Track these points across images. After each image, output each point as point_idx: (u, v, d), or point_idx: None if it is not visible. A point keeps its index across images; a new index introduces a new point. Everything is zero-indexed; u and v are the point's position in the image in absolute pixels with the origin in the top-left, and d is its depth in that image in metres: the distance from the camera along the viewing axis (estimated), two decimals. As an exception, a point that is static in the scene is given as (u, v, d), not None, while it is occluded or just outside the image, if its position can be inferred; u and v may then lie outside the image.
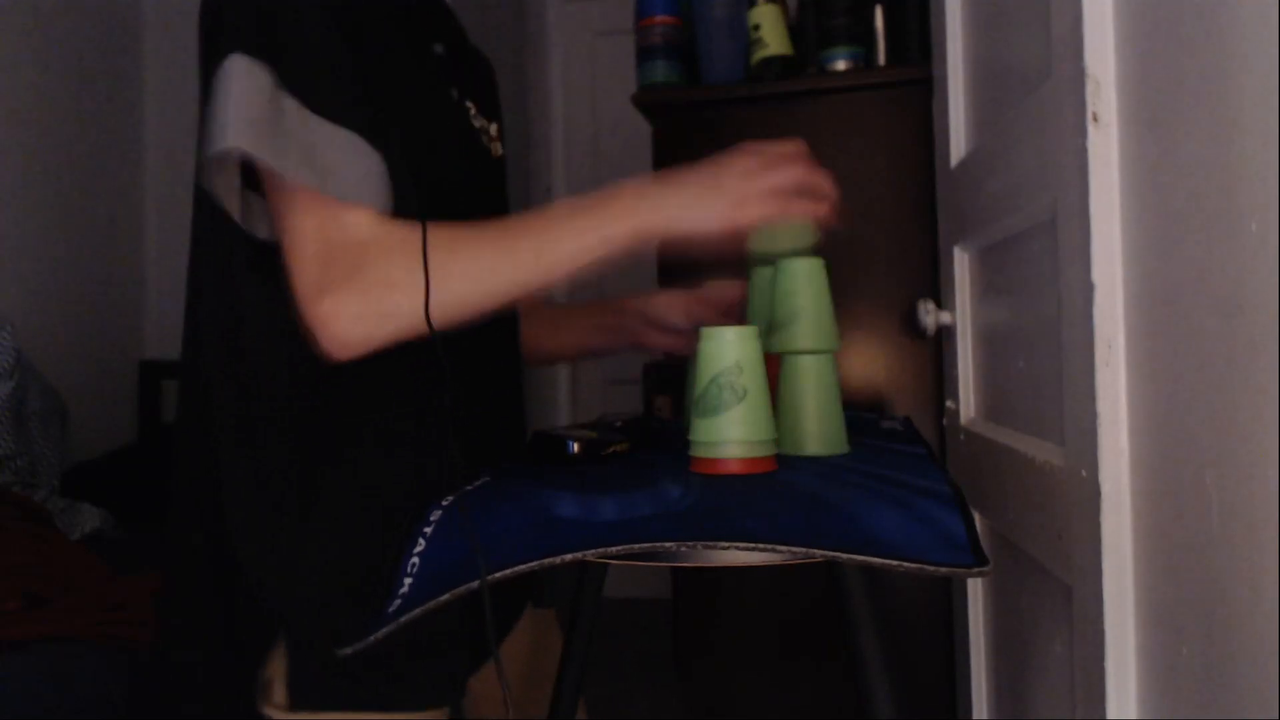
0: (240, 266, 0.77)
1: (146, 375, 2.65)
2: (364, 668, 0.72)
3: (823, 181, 0.83)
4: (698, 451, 0.71)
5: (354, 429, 0.78)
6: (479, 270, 0.73)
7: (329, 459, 0.77)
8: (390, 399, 0.79)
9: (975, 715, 1.22)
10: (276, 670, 0.76)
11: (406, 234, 0.71)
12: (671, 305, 1.06)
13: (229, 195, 0.73)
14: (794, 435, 0.79)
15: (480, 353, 0.87)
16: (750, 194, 0.77)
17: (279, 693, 0.75)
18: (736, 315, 1.02)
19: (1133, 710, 0.68)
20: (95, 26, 2.53)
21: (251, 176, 0.74)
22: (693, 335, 0.89)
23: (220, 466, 0.78)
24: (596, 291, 3.62)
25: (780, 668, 1.61)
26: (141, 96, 2.73)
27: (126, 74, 2.66)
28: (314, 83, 0.71)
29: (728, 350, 0.71)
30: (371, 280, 0.70)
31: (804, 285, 0.81)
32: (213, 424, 0.78)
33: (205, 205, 0.78)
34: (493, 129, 0.96)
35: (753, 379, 0.71)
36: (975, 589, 1.21)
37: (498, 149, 0.96)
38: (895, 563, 0.53)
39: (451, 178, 0.85)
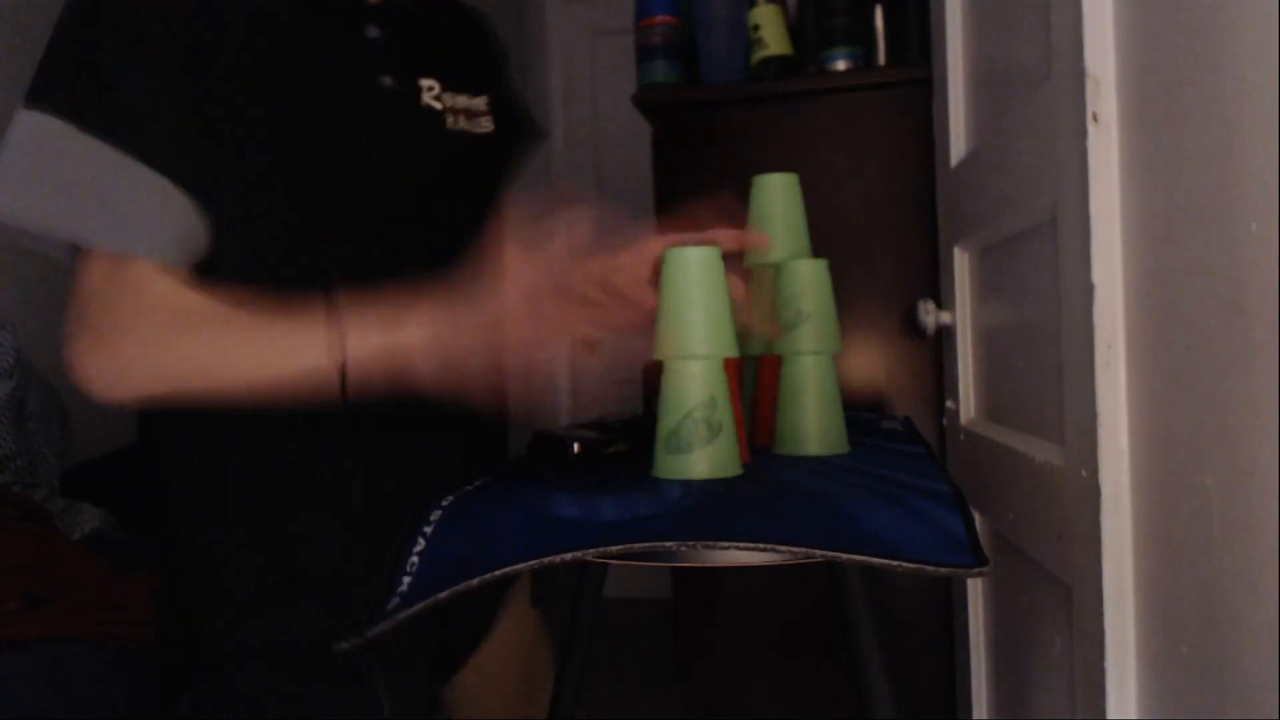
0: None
1: (146, 375, 2.65)
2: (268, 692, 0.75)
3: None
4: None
5: (294, 433, 0.77)
6: (230, 358, 0.69)
7: (268, 463, 0.78)
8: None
9: (975, 715, 1.22)
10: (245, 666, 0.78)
11: (170, 304, 0.69)
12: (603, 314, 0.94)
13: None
14: (795, 435, 0.79)
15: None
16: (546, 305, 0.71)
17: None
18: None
19: (1133, 710, 0.68)
20: (95, 26, 2.53)
21: None
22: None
23: (175, 477, 0.82)
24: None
25: (780, 668, 1.61)
26: None
27: (126, 74, 2.65)
28: (128, 127, 0.69)
29: (701, 386, 0.68)
30: (110, 340, 0.69)
31: (809, 287, 0.80)
32: (165, 439, 0.82)
33: None
34: (477, 103, 0.90)
35: (725, 413, 0.68)
36: (975, 589, 1.21)
37: (486, 124, 0.90)
38: (895, 563, 0.53)
39: (364, 170, 0.80)
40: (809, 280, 0.81)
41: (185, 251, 0.72)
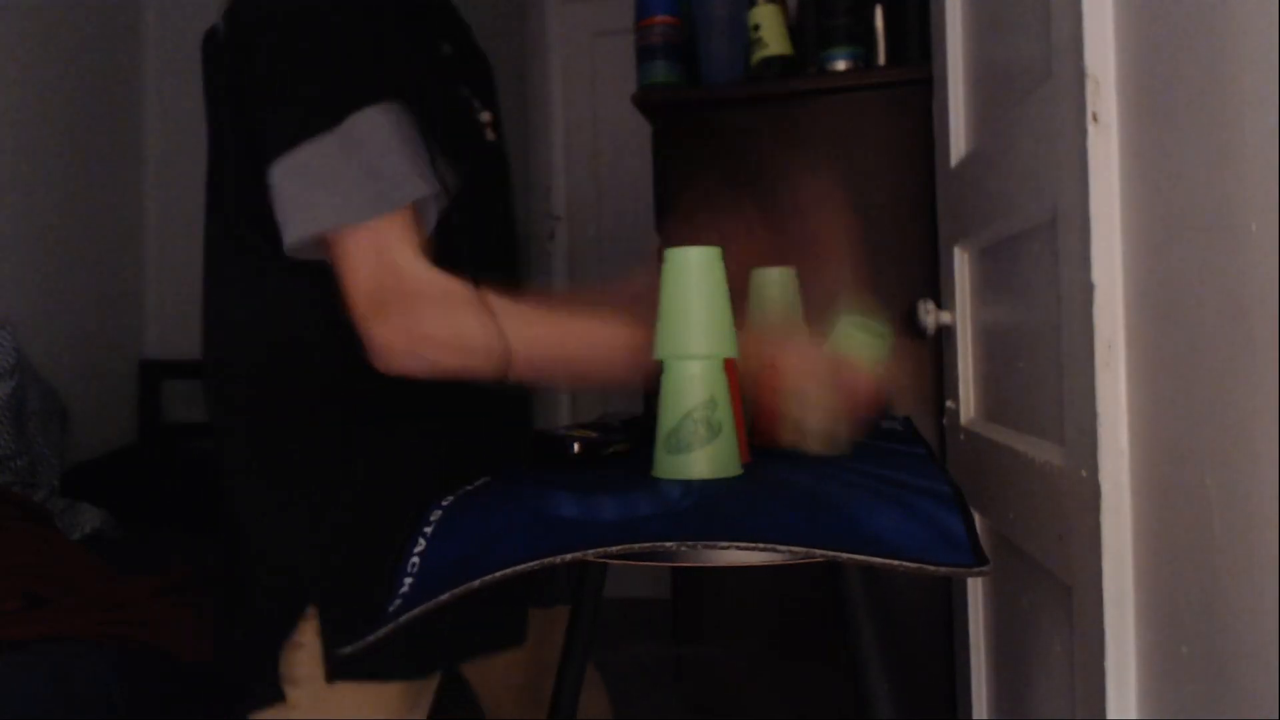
0: (275, 272, 0.81)
1: (146, 375, 2.65)
2: (397, 639, 0.77)
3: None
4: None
5: (379, 413, 0.83)
6: (539, 346, 0.77)
7: (356, 441, 0.83)
8: (411, 389, 0.83)
9: (975, 715, 1.22)
10: (303, 649, 0.80)
11: (457, 286, 0.76)
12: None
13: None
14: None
15: None
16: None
17: (305, 667, 0.79)
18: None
19: (1133, 710, 0.68)
20: (95, 26, 2.53)
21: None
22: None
23: (253, 454, 0.84)
24: (595, 261, 3.58)
25: (780, 668, 1.61)
26: (141, 96, 2.72)
27: (126, 74, 2.66)
28: (348, 91, 0.75)
29: (700, 386, 0.67)
30: (419, 328, 0.75)
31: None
32: (243, 417, 0.85)
33: (223, 213, 0.84)
34: (489, 118, 0.98)
35: (725, 413, 0.68)
36: (975, 589, 1.21)
37: (492, 134, 0.99)
38: (895, 563, 0.53)
39: (465, 172, 0.88)
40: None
41: (431, 188, 0.78)
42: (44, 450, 2.08)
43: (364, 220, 0.74)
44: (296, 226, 0.74)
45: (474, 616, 0.84)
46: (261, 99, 0.76)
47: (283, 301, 0.83)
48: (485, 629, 0.89)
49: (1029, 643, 0.97)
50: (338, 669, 0.79)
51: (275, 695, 0.80)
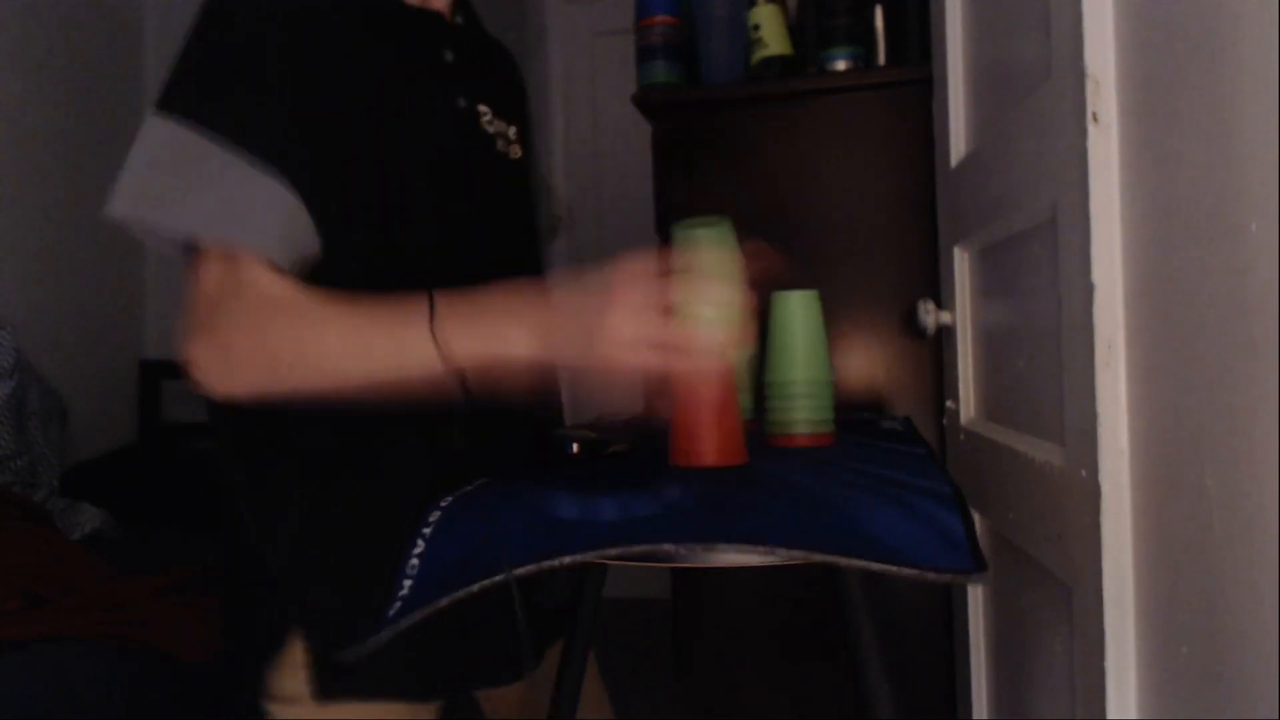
0: None
1: (146, 375, 2.65)
2: (387, 658, 0.73)
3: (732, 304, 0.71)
4: (773, 429, 0.85)
5: (368, 422, 0.79)
6: (339, 354, 0.71)
7: (345, 453, 0.79)
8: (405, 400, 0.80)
9: (975, 715, 1.22)
10: (290, 664, 0.78)
11: (281, 300, 0.72)
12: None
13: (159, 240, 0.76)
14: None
15: None
16: (626, 345, 0.67)
17: (292, 686, 0.77)
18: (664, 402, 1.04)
19: (1133, 710, 0.68)
20: (95, 26, 2.53)
21: None
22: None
23: (241, 464, 0.81)
24: (596, 262, 3.60)
25: (780, 668, 1.61)
26: (141, 97, 2.73)
27: (126, 74, 2.66)
28: (244, 129, 0.73)
29: None
30: (225, 341, 0.72)
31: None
32: (237, 423, 0.81)
33: None
34: (511, 131, 0.97)
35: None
36: (975, 589, 1.21)
37: (516, 151, 0.97)
38: (894, 568, 0.53)
39: (449, 185, 0.86)
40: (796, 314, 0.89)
41: (296, 251, 0.74)
42: (44, 450, 2.08)
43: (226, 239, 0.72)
44: (153, 209, 0.72)
45: (474, 646, 0.81)
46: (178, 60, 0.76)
47: None
48: (485, 661, 0.85)
49: (1029, 643, 0.97)
50: (327, 687, 0.76)
51: (260, 710, 0.78)
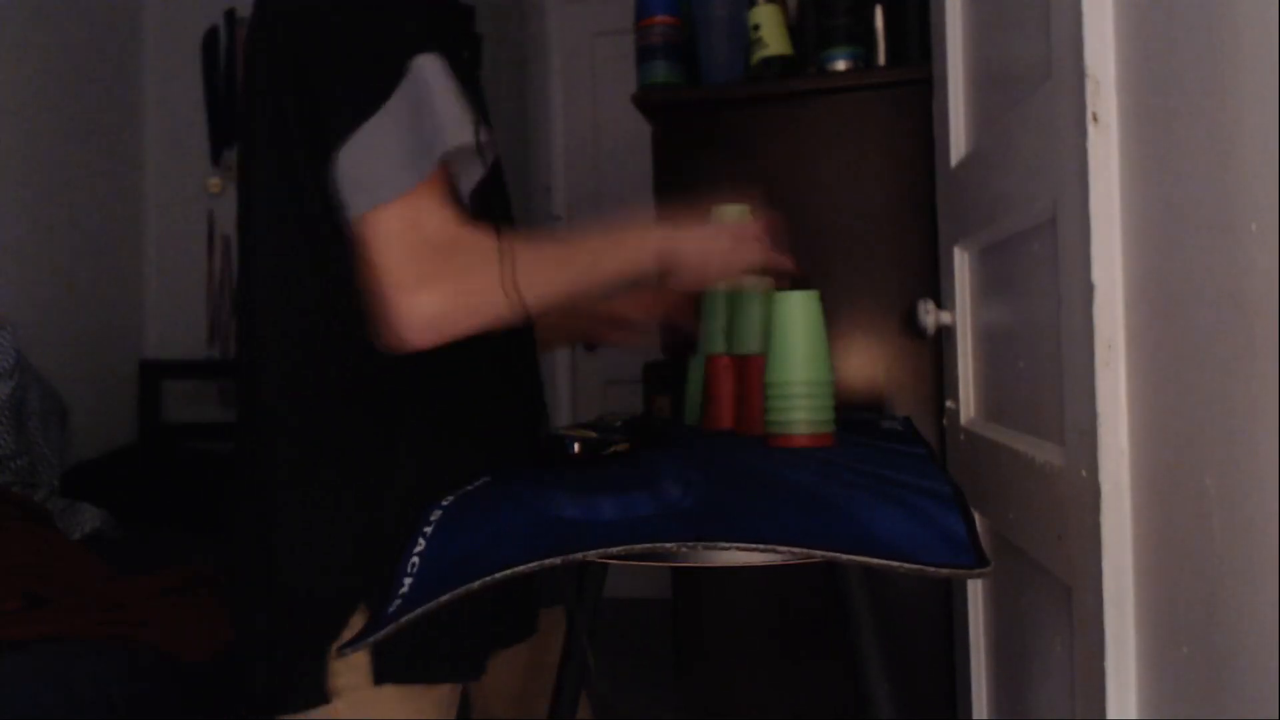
0: (303, 267, 0.81)
1: (146, 375, 2.65)
2: (443, 641, 0.79)
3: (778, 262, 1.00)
4: (773, 430, 0.85)
5: (427, 410, 0.84)
6: (548, 279, 0.81)
7: (404, 442, 0.82)
8: (444, 384, 0.85)
9: (975, 715, 1.22)
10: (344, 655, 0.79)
11: (488, 239, 0.78)
12: (635, 302, 1.17)
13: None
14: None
15: (509, 346, 0.95)
16: (739, 254, 0.95)
17: (350, 670, 0.78)
18: (688, 311, 1.16)
19: (1133, 710, 0.68)
20: (95, 26, 2.53)
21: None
22: (640, 329, 1.14)
23: (289, 452, 0.82)
24: None
25: (780, 668, 1.61)
26: (141, 96, 2.73)
27: (126, 74, 2.66)
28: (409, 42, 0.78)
29: None
30: (463, 279, 0.76)
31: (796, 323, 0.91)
32: (283, 415, 0.83)
33: (259, 207, 0.83)
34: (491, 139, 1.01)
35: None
36: (975, 589, 1.21)
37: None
38: (895, 564, 0.53)
39: (491, 176, 0.90)
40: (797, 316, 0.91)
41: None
42: (44, 450, 2.08)
43: (406, 189, 0.75)
44: (362, 203, 0.75)
45: (497, 611, 0.85)
46: (323, 80, 0.78)
47: (311, 303, 0.82)
48: (506, 623, 0.89)
49: (1029, 643, 0.97)
50: (385, 672, 0.78)
51: (317, 698, 0.78)
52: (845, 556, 0.53)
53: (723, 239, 0.95)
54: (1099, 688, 0.70)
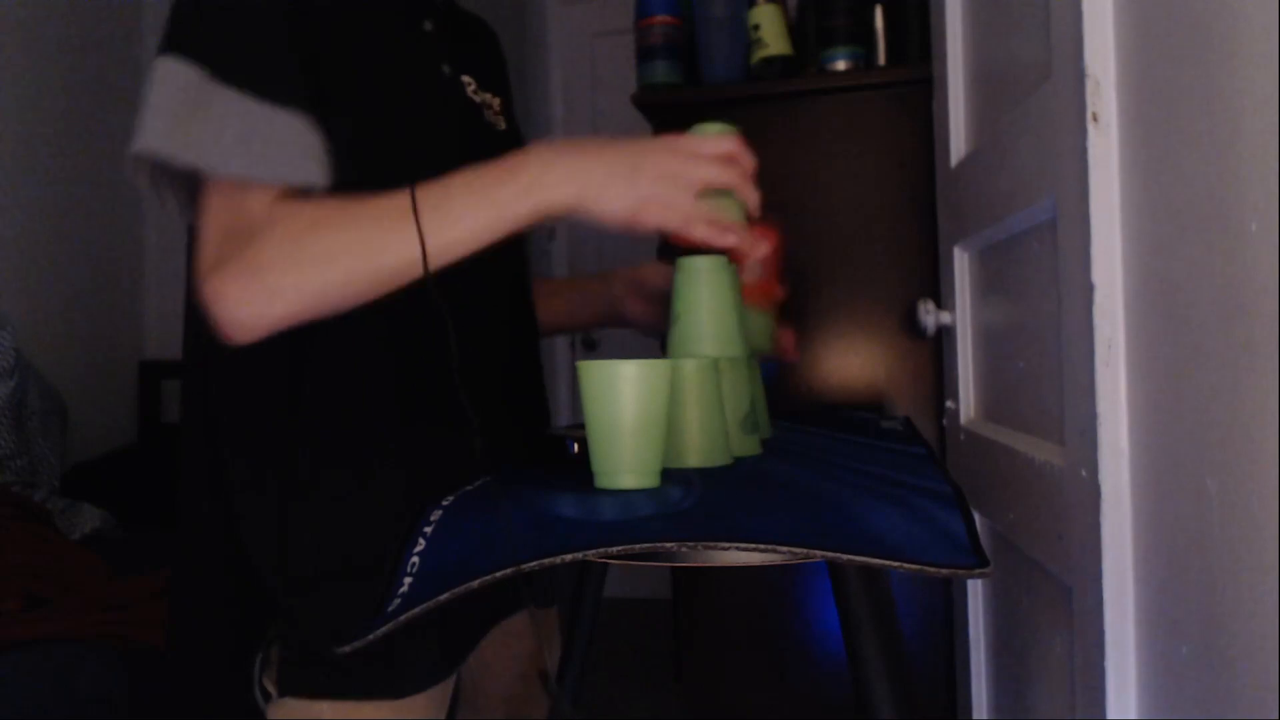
0: None
1: (146, 375, 2.65)
2: (352, 657, 0.72)
3: (747, 193, 0.82)
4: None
5: (345, 416, 0.78)
6: (365, 248, 0.69)
7: (321, 443, 0.78)
8: (382, 384, 0.78)
9: (975, 715, 1.22)
10: (272, 659, 0.77)
11: (290, 210, 0.70)
12: (657, 272, 1.04)
13: (166, 192, 0.75)
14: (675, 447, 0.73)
15: (484, 324, 0.86)
16: (658, 197, 0.72)
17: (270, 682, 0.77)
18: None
19: (1133, 710, 0.68)
20: (95, 26, 2.53)
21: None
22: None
23: (221, 455, 0.79)
24: (595, 261, 3.58)
25: (780, 668, 1.61)
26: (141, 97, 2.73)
27: (126, 74, 2.66)
28: (252, 70, 0.72)
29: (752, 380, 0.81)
30: (251, 260, 0.69)
31: (700, 288, 0.78)
32: (211, 417, 0.80)
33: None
34: (496, 103, 0.96)
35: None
36: (975, 589, 1.21)
37: (501, 123, 0.96)
38: (895, 563, 0.52)
39: (441, 152, 0.83)
40: (703, 280, 0.79)
41: (324, 181, 0.73)
42: (44, 450, 2.08)
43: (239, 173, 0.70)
44: (165, 140, 0.70)
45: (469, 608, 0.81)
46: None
47: None
48: (479, 616, 0.86)
49: (1029, 643, 0.97)
50: (289, 686, 0.75)
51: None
52: (845, 556, 0.53)
53: (639, 173, 0.71)
54: (1099, 688, 0.70)
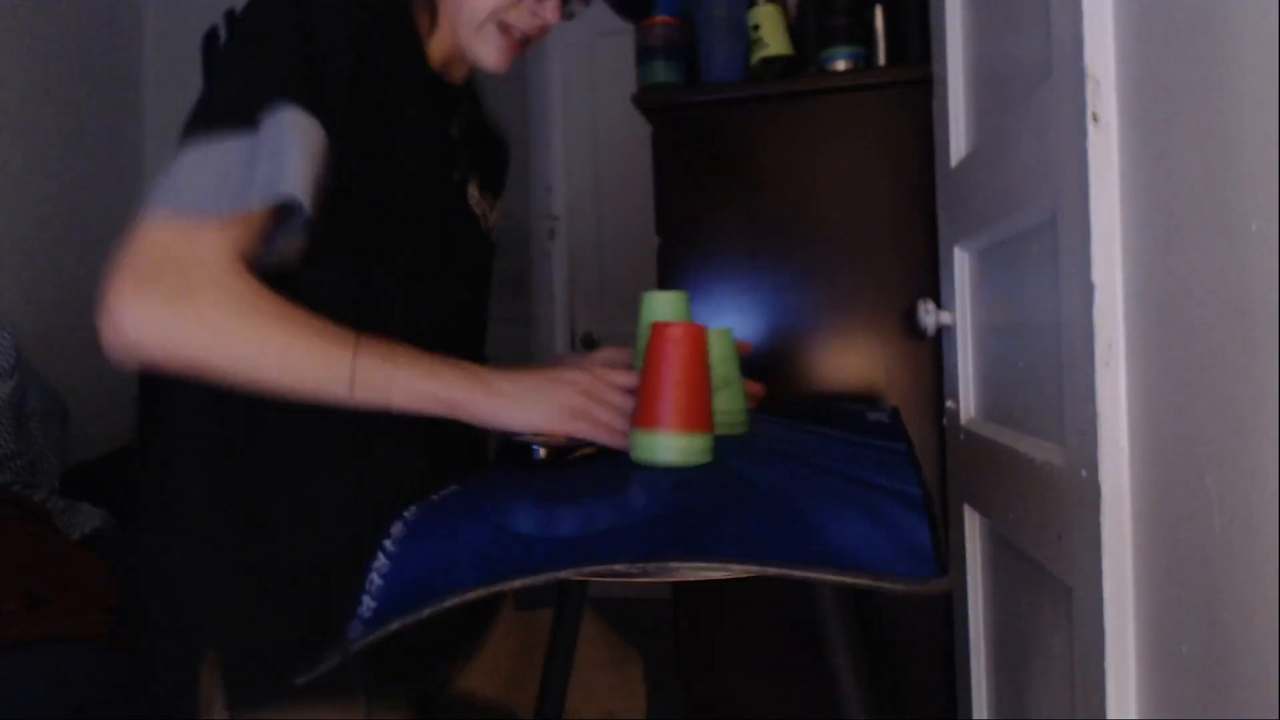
0: None
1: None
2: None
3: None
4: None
5: (281, 440, 0.79)
6: (292, 362, 0.72)
7: (256, 466, 0.78)
8: (319, 410, 0.78)
9: (975, 715, 1.22)
10: (210, 681, 0.77)
11: (247, 282, 0.72)
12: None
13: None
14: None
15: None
16: (569, 416, 0.79)
17: (216, 703, 0.76)
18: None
19: (1133, 710, 0.68)
20: (95, 26, 2.53)
21: None
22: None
23: (165, 477, 0.80)
24: (597, 292, 3.56)
25: (780, 667, 1.61)
26: (141, 96, 2.72)
27: (126, 74, 2.66)
28: (284, 84, 0.73)
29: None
30: (184, 293, 0.70)
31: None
32: (158, 438, 0.81)
33: None
34: (494, 211, 1.00)
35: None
36: (975, 589, 1.21)
37: (493, 233, 1.00)
38: (849, 579, 0.52)
39: (432, 248, 0.87)
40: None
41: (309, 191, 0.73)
42: (44, 450, 2.08)
43: (201, 210, 0.70)
44: (159, 197, 0.71)
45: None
46: (212, 75, 0.76)
47: None
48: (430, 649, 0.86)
49: (1029, 643, 0.97)
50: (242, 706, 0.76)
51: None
52: (798, 573, 0.52)
53: (554, 400, 0.79)
54: (1099, 688, 0.70)
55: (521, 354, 3.19)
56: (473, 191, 0.95)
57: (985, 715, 1.19)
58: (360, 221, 0.79)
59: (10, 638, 1.27)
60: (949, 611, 1.47)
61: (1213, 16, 0.54)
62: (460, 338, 0.93)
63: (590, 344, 3.33)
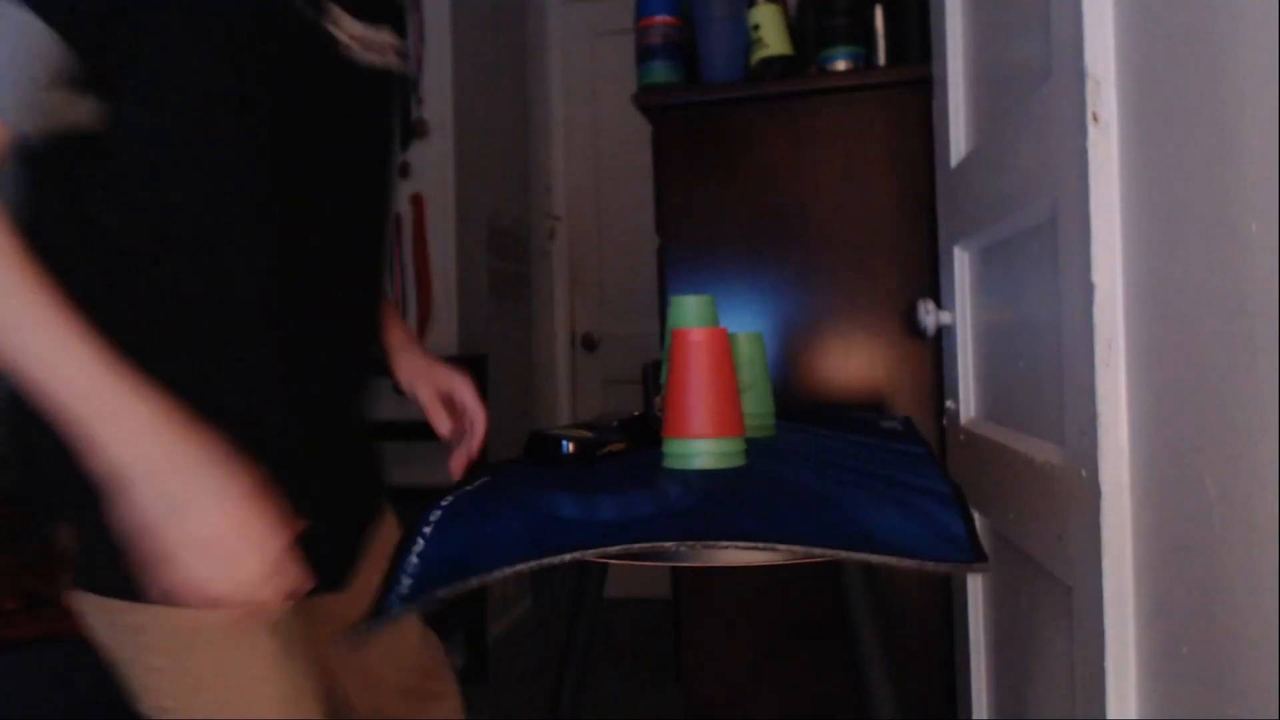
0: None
1: (146, 375, 2.64)
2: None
3: None
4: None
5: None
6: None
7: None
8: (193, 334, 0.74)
9: (975, 715, 1.22)
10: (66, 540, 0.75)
11: None
12: (450, 378, 1.03)
13: None
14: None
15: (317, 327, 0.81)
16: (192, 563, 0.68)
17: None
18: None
19: (1133, 710, 0.68)
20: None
21: None
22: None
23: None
24: (597, 292, 3.56)
25: (780, 667, 1.61)
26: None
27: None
28: None
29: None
30: None
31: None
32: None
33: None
34: (381, 36, 0.84)
35: None
36: (975, 589, 1.21)
37: (378, 58, 0.84)
38: (895, 560, 0.53)
39: (279, 121, 0.76)
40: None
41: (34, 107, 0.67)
42: (44, 450, 2.08)
43: None
44: None
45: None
46: None
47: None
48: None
49: (1029, 643, 0.97)
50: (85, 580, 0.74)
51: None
52: (845, 554, 0.53)
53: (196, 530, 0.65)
54: (1099, 688, 0.70)
55: (522, 354, 3.20)
56: (339, 20, 0.79)
57: (985, 715, 1.19)
58: (171, 65, 0.70)
59: (10, 638, 1.27)
60: (949, 611, 1.47)
61: (1213, 16, 0.54)
62: (347, 204, 0.82)
63: (590, 344, 3.34)
